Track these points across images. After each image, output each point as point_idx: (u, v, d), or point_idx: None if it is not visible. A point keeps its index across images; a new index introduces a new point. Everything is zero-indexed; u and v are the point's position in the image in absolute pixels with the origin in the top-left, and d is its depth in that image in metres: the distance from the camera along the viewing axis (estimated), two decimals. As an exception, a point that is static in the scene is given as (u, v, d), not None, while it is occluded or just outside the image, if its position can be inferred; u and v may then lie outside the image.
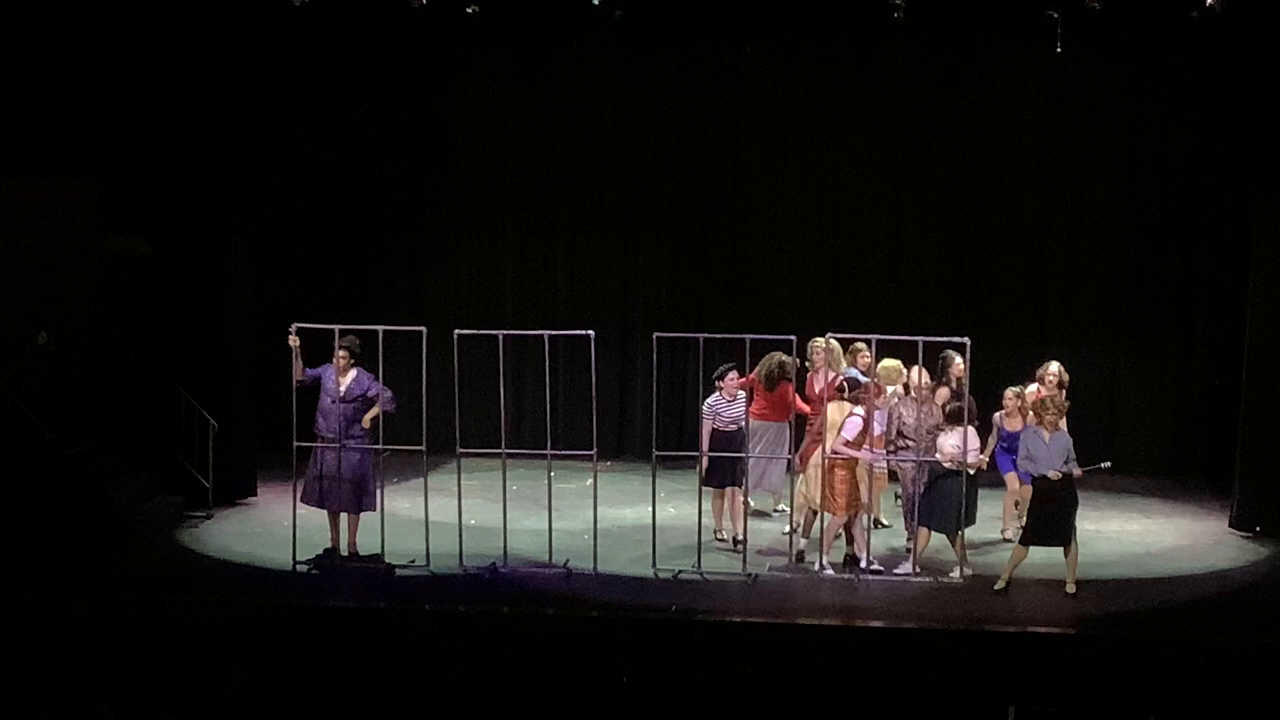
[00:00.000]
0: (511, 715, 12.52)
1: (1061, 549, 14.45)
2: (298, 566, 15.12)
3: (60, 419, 16.14)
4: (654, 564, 15.03)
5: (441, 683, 12.96)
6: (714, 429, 15.43)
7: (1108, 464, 15.18)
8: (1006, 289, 19.50)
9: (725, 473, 15.53)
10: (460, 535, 15.12)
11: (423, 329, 15.48)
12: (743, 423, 15.33)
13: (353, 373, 15.19)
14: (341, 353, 15.14)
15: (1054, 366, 16.09)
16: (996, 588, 14.34)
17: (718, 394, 15.50)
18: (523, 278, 20.14)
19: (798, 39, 18.95)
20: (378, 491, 15.32)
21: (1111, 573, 15.33)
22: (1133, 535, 16.77)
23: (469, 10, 17.40)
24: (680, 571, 14.98)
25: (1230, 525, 16.89)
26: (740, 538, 15.27)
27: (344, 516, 15.39)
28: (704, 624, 13.83)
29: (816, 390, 15.62)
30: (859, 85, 19.34)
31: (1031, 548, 14.50)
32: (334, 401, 15.12)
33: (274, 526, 16.29)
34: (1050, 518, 14.34)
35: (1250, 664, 12.82)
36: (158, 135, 16.89)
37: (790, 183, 19.71)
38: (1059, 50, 16.97)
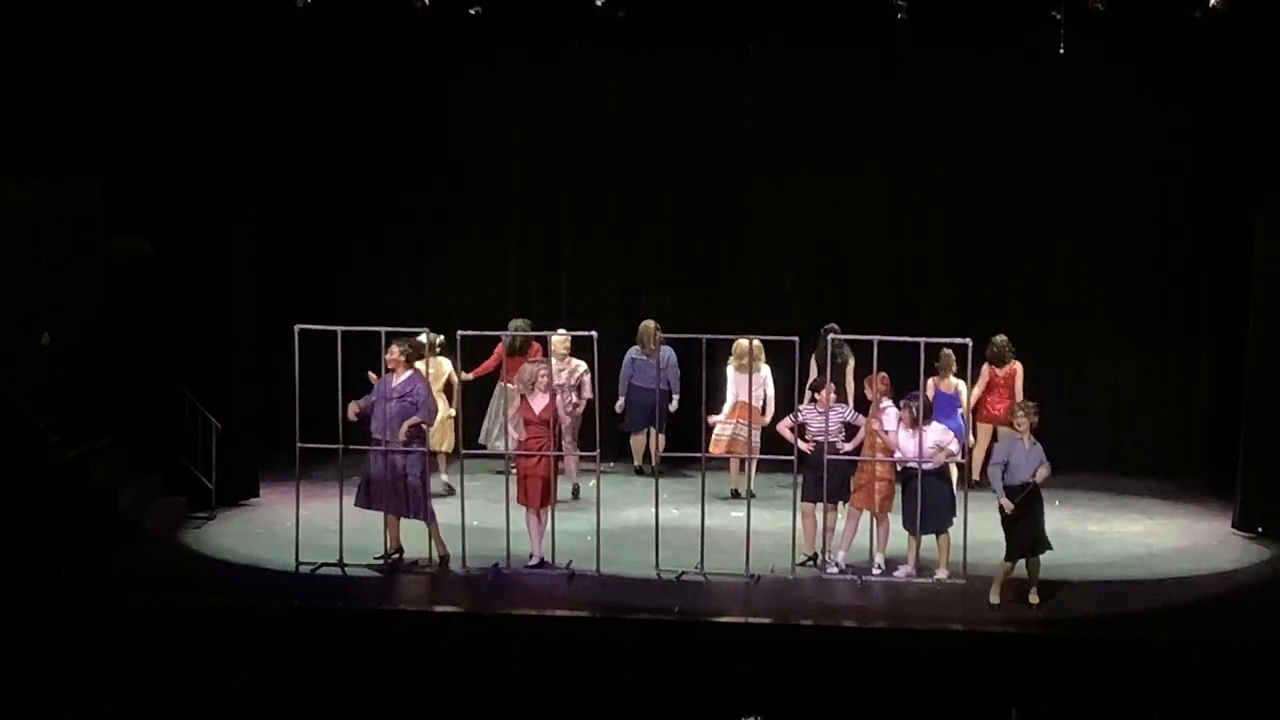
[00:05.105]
0: (514, 716, 12.54)
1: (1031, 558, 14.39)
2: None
3: (63, 420, 16.12)
4: (657, 565, 15.02)
5: (444, 683, 13.00)
6: (798, 436, 15.16)
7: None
8: (1009, 290, 19.48)
9: (811, 488, 15.21)
10: (463, 536, 15.12)
11: (425, 329, 15.51)
12: (833, 439, 15.03)
13: (406, 373, 15.17)
14: (390, 351, 15.14)
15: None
16: (993, 601, 14.29)
17: (809, 403, 15.24)
18: (526, 278, 20.13)
19: (800, 38, 18.93)
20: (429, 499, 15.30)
21: (1114, 574, 15.34)
22: (1135, 536, 16.76)
23: (472, 11, 17.40)
24: (683, 573, 14.98)
25: (1233, 526, 16.88)
26: (824, 552, 15.21)
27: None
28: (707, 625, 13.83)
29: (536, 411, 15.17)
30: (862, 84, 19.31)
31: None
32: (379, 400, 15.13)
33: (277, 527, 16.30)
34: (1028, 527, 14.27)
35: (1253, 665, 12.84)
36: (160, 135, 16.88)
37: (793, 182, 19.67)
38: (1062, 51, 16.96)
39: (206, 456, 17.01)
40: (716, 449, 17.43)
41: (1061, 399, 18.54)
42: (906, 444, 14.77)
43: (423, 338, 16.15)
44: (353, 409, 15.13)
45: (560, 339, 17.11)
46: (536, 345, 16.98)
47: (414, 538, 15.28)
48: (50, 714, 12.80)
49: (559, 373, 16.94)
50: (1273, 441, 16.54)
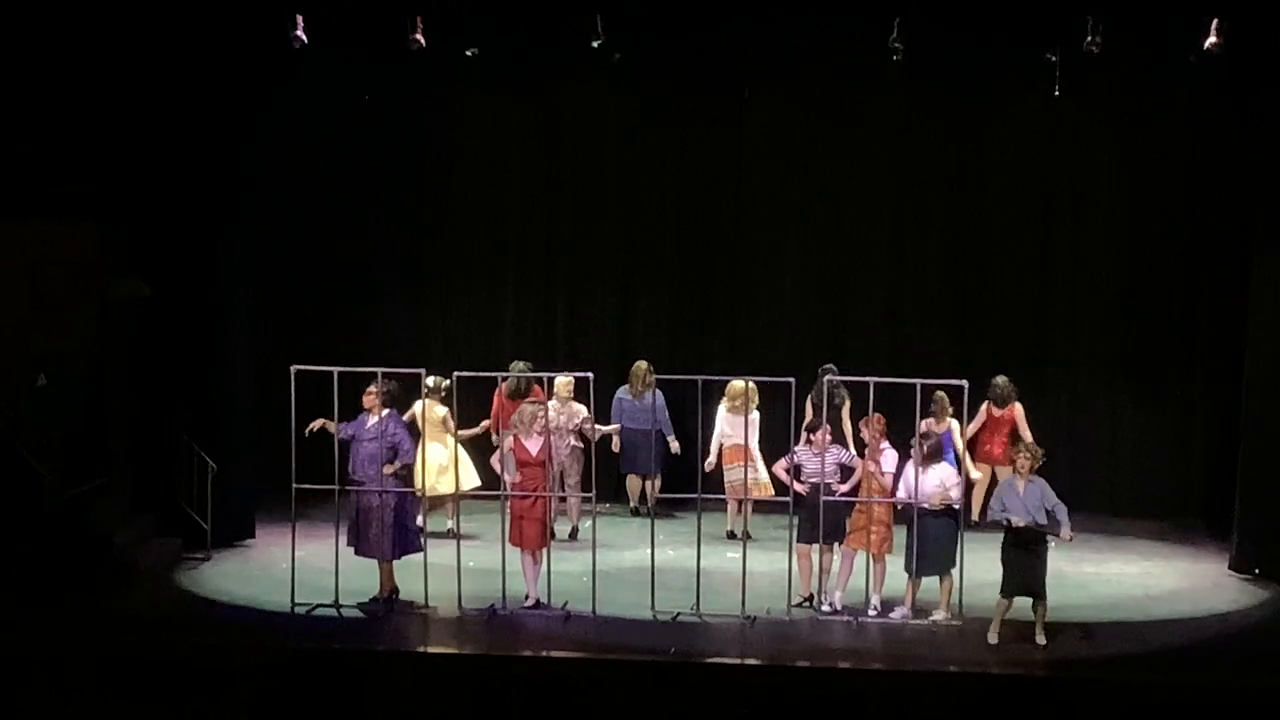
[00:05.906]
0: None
1: (1032, 599, 14.35)
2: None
3: (59, 460, 16.14)
4: (653, 606, 15.00)
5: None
6: (795, 480, 15.17)
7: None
8: (1007, 330, 19.48)
9: (806, 529, 15.19)
10: (459, 577, 15.10)
11: (421, 370, 15.52)
12: (826, 480, 15.00)
13: (384, 413, 15.17)
14: (367, 391, 15.17)
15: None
16: (991, 641, 14.26)
17: (805, 445, 15.24)
18: (522, 319, 20.13)
19: (797, 80, 18.98)
20: (417, 536, 15.32)
21: (1110, 615, 15.30)
22: (1132, 577, 16.74)
23: (468, 53, 17.46)
24: (679, 614, 14.95)
25: (1229, 568, 16.85)
26: (820, 593, 15.23)
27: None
28: (702, 666, 13.80)
29: (533, 453, 15.14)
30: (859, 126, 19.36)
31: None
32: (356, 440, 15.16)
33: (272, 569, 16.27)
34: (1024, 566, 14.25)
35: (1250, 707, 12.82)
36: (156, 177, 16.92)
37: (790, 224, 19.71)
38: (1057, 93, 17.04)
39: (202, 497, 17.00)
40: (734, 494, 17.33)
41: (1058, 439, 18.49)
42: (917, 481, 14.73)
43: (430, 381, 16.17)
44: (319, 421, 15.15)
45: (564, 381, 17.14)
46: (538, 388, 16.96)
47: (410, 579, 15.25)
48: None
49: (559, 415, 16.93)
50: (1270, 483, 16.52)
